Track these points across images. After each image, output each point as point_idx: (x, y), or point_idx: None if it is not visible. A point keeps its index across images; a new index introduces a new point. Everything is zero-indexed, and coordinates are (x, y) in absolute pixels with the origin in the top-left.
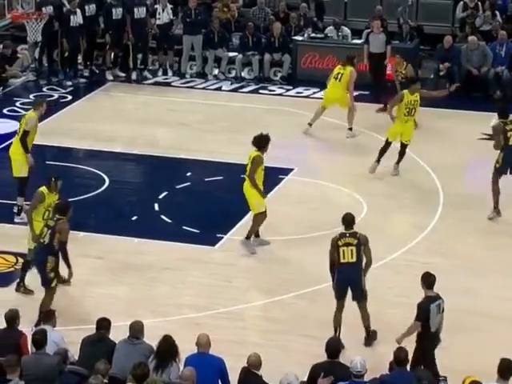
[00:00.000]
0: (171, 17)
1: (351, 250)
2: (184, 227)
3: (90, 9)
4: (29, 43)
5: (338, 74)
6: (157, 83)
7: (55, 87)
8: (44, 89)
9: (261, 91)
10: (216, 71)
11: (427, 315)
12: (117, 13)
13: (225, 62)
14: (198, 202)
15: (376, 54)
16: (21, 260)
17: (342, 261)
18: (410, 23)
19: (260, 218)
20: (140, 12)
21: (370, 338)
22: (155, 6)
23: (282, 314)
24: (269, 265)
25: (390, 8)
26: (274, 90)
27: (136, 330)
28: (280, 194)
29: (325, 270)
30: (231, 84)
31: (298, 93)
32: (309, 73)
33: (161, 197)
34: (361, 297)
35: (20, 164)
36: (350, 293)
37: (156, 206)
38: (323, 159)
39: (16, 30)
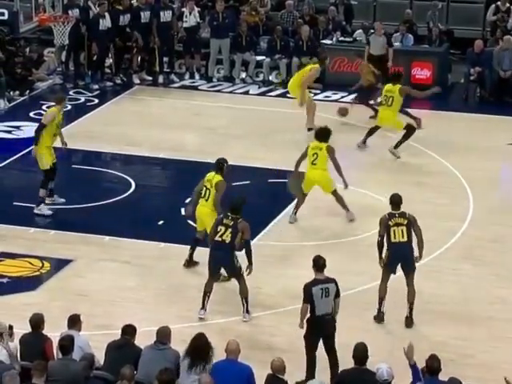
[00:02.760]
0: (198, 20)
1: (401, 230)
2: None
3: (125, 19)
4: (55, 46)
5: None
6: (183, 87)
7: (82, 91)
8: (70, 92)
9: (288, 95)
10: (243, 75)
11: (311, 298)
12: (145, 16)
13: (252, 66)
14: (222, 207)
15: (376, 55)
16: (47, 264)
17: (393, 240)
18: (439, 27)
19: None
20: (166, 15)
21: (410, 318)
22: (182, 10)
23: None
24: (298, 270)
25: (419, 11)
26: None
27: (163, 335)
28: (311, 198)
29: (358, 276)
30: (259, 88)
31: (326, 97)
32: (337, 77)
33: (187, 201)
34: (412, 269)
35: (41, 157)
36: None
37: (182, 211)
38: (350, 163)
39: (43, 33)
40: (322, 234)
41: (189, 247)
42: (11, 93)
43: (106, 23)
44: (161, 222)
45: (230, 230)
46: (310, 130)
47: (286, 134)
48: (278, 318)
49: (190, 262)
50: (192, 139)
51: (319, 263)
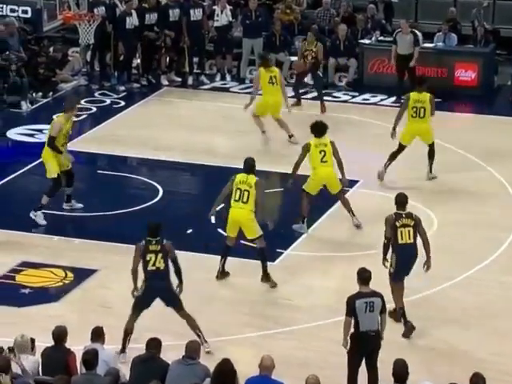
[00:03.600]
0: (230, 19)
1: (408, 231)
2: (242, 241)
3: (151, 17)
4: (80, 46)
5: (272, 77)
6: (214, 89)
7: (107, 92)
8: (96, 94)
9: (325, 98)
10: None
11: (354, 311)
12: (174, 14)
13: (286, 67)
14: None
15: (403, 55)
16: (70, 274)
17: (400, 242)
18: (485, 26)
19: None
20: (196, 14)
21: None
22: (213, 8)
23: None
24: (334, 282)
25: (464, 10)
26: (338, 97)
27: (191, 349)
28: (335, 207)
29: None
30: (293, 90)
31: (364, 100)
32: (376, 78)
33: (218, 209)
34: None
35: (49, 166)
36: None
37: (213, 219)
38: (390, 171)
39: (67, 31)
40: (356, 244)
41: (219, 257)
42: (34, 94)
43: (133, 21)
44: (189, 231)
45: (160, 254)
46: (291, 136)
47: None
48: (312, 332)
49: (223, 273)
50: (223, 143)
51: (364, 276)
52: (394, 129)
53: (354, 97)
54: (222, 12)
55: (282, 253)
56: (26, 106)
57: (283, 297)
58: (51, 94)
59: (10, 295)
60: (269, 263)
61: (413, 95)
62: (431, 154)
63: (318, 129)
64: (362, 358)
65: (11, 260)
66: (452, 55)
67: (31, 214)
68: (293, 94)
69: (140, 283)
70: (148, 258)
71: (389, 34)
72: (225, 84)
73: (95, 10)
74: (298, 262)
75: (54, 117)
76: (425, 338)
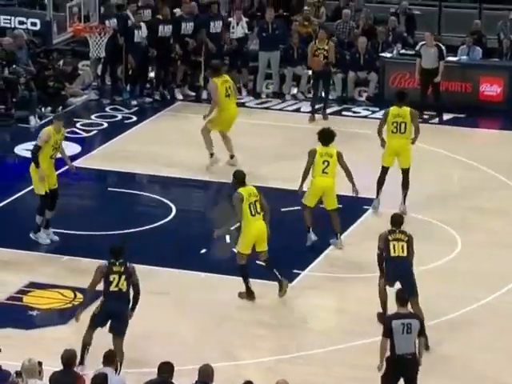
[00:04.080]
0: (246, 31)
1: (402, 246)
2: (257, 261)
3: (165, 30)
4: (91, 59)
5: (227, 88)
6: None
7: (119, 107)
8: (107, 108)
9: (344, 113)
10: (294, 91)
11: (390, 332)
12: (187, 28)
13: (304, 81)
14: (273, 235)
15: (427, 69)
16: (79, 295)
17: (392, 255)
18: (511, 39)
19: None
20: (216, 26)
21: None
22: (229, 20)
23: (365, 360)
24: (351, 304)
25: (489, 22)
26: (358, 112)
27: (205, 374)
28: (364, 226)
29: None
30: (311, 105)
31: None
32: None
33: (233, 228)
34: (412, 291)
35: (34, 181)
36: None
37: (227, 238)
38: (412, 187)
39: (77, 44)
40: (375, 265)
41: (242, 279)
42: (43, 109)
43: (142, 34)
44: (203, 251)
45: (123, 276)
46: (232, 157)
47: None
48: (329, 357)
49: (249, 293)
50: (238, 160)
51: (402, 297)
52: (382, 139)
53: (374, 112)
54: (237, 24)
55: (299, 274)
56: (34, 121)
57: (299, 319)
58: (60, 108)
59: (17, 317)
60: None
61: (392, 110)
62: (406, 183)
63: (325, 136)
64: (397, 382)
65: (18, 281)
66: (477, 69)
67: (31, 236)
68: (310, 108)
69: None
70: (111, 279)
71: (410, 47)
72: (240, 99)
73: (106, 22)
74: (316, 283)
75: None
76: (449, 363)
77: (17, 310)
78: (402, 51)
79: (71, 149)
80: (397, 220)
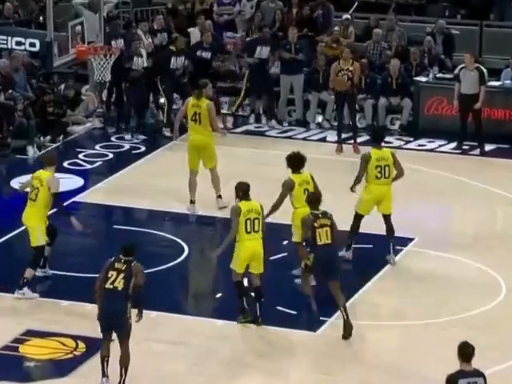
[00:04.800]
0: (267, 53)
1: (326, 231)
2: (278, 307)
3: (177, 61)
4: (95, 83)
5: (195, 114)
6: (248, 132)
7: (126, 136)
8: (112, 138)
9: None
10: (320, 118)
11: None
12: (206, 55)
13: (330, 108)
14: (295, 278)
15: (467, 94)
16: (82, 344)
17: (319, 243)
18: None
19: None
20: (264, 51)
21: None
22: (247, 40)
23: None
24: (383, 356)
25: None
26: (390, 142)
27: None
28: (398, 269)
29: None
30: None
31: (420, 145)
32: (434, 121)
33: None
34: (337, 275)
35: (38, 233)
36: None
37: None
38: (449, 227)
39: (80, 67)
40: (410, 312)
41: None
42: (42, 138)
43: (139, 62)
44: (219, 295)
45: (122, 275)
46: (219, 197)
47: None
48: None
49: (244, 311)
50: (258, 194)
51: (467, 351)
52: (353, 187)
53: (408, 142)
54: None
55: (326, 321)
56: (32, 152)
57: (324, 372)
58: (61, 137)
59: (12, 369)
60: (310, 333)
61: (374, 153)
62: (391, 229)
63: (298, 161)
64: None
65: (15, 328)
66: None
67: (16, 294)
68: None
69: None
70: (109, 275)
71: (448, 70)
72: (260, 127)
73: (113, 43)
74: (336, 331)
75: (40, 174)
76: None
77: (12, 361)
78: (439, 75)
79: (74, 182)
80: (316, 198)
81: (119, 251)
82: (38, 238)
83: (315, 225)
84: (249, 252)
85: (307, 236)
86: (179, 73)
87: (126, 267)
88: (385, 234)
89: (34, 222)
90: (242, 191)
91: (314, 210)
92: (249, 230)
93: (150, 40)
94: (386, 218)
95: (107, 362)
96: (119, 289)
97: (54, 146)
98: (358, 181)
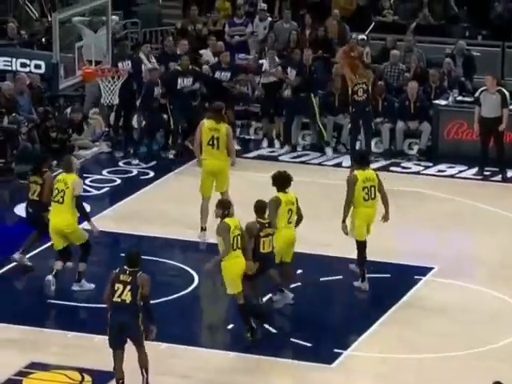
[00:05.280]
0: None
1: (269, 241)
2: (293, 339)
3: (185, 82)
4: (102, 106)
5: (212, 139)
6: (260, 157)
7: (134, 161)
8: (120, 163)
9: (392, 168)
10: (335, 143)
11: None
12: (225, 75)
13: (346, 132)
14: (310, 308)
15: (488, 118)
16: (88, 378)
17: (262, 251)
18: None
19: None
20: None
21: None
22: (260, 61)
23: None
24: None
25: None
26: (408, 168)
27: None
28: (416, 299)
29: None
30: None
31: (439, 171)
32: (454, 146)
33: (264, 300)
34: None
35: (78, 230)
36: None
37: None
38: (470, 255)
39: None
40: (431, 346)
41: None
42: None
43: (158, 90)
44: (230, 326)
45: (128, 287)
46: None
47: (391, 215)
48: None
49: (252, 332)
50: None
51: None
52: (345, 221)
53: (427, 167)
54: (270, 66)
55: (341, 353)
56: None
57: None
58: None
59: None
60: (325, 366)
61: (359, 175)
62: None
63: (283, 181)
64: None
65: (18, 361)
66: None
67: (75, 287)
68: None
69: None
70: (116, 288)
71: (469, 93)
72: (273, 152)
73: (120, 65)
74: (360, 365)
75: (65, 176)
76: None
77: None
78: (459, 98)
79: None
80: (262, 206)
81: (123, 261)
82: (80, 235)
83: (261, 234)
84: (239, 268)
85: (251, 245)
86: (187, 91)
87: (132, 279)
88: (402, 262)
89: (69, 222)
90: (227, 209)
91: (260, 219)
92: (234, 247)
93: (154, 61)
94: (363, 246)
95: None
96: (127, 302)
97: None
98: (348, 209)
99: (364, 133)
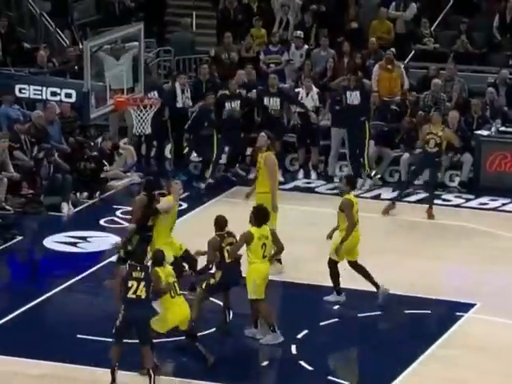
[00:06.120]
0: (317, 104)
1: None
2: (330, 377)
3: (232, 105)
4: (134, 136)
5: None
6: (296, 188)
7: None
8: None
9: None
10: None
11: None
12: (274, 102)
13: (386, 163)
14: (348, 345)
15: None
16: None
17: (227, 260)
18: None
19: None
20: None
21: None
22: (296, 90)
23: None
24: None
25: None
26: (449, 200)
27: None
28: (458, 336)
29: None
30: (393, 191)
31: (481, 204)
32: (497, 178)
33: (299, 336)
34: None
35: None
36: None
37: (293, 349)
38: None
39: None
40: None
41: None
42: (78, 195)
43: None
44: (265, 363)
45: (143, 283)
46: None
47: (430, 251)
48: None
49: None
50: (306, 255)
51: None
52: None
53: (468, 200)
54: (307, 95)
55: None
56: (67, 209)
57: None
58: (98, 194)
59: None
60: None
61: (352, 198)
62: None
63: (261, 216)
64: None
65: None
66: None
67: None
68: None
69: None
70: (130, 285)
71: None
72: (309, 183)
73: (148, 94)
74: None
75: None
76: None
77: None
78: (502, 128)
79: (111, 240)
80: (221, 223)
81: (131, 258)
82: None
83: (222, 245)
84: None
85: (213, 258)
86: (237, 116)
87: (145, 275)
88: (443, 298)
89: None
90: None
91: (219, 231)
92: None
93: (188, 92)
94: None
95: (117, 367)
96: (143, 297)
97: (90, 202)
98: (350, 232)
99: (428, 183)
